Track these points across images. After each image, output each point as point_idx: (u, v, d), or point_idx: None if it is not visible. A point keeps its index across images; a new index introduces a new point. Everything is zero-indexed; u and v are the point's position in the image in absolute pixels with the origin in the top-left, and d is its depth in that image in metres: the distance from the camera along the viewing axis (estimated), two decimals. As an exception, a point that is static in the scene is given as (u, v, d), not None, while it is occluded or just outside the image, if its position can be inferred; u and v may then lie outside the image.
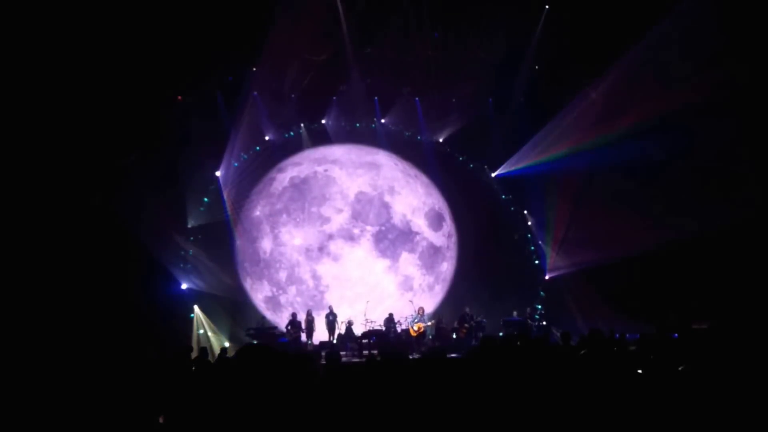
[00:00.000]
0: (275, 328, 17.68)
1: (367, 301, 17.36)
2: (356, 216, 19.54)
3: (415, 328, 17.02)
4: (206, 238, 18.18)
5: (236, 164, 18.75)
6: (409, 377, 4.79)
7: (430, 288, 20.15)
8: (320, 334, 17.45)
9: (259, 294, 19.21)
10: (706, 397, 3.92)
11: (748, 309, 12.73)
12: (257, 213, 19.35)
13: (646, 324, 14.18)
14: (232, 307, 18.42)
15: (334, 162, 19.94)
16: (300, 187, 19.49)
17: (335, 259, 19.31)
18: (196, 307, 17.69)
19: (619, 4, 15.18)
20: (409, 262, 19.83)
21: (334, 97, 19.23)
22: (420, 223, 20.08)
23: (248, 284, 19.18)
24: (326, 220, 19.37)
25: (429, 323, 17.65)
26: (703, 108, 13.89)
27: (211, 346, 16.68)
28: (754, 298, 13.12)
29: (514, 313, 17.83)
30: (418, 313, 17.33)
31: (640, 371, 5.66)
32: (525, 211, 20.56)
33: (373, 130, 20.17)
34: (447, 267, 20.38)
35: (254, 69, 17.18)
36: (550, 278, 19.53)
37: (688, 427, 3.89)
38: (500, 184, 20.40)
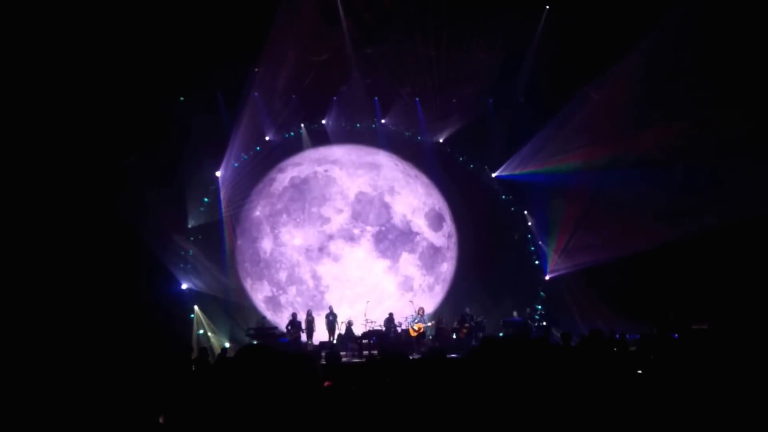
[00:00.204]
0: (275, 328, 17.68)
1: (367, 302, 17.36)
2: (356, 216, 19.55)
3: (415, 328, 17.02)
4: (206, 239, 18.19)
5: (236, 164, 18.75)
6: (409, 377, 4.79)
7: (430, 288, 20.15)
8: (320, 335, 17.45)
9: (259, 294, 19.22)
10: (706, 397, 3.92)
11: (748, 309, 12.72)
12: (257, 213, 19.36)
13: (646, 324, 14.21)
14: (232, 308, 18.42)
15: (334, 162, 19.95)
16: (300, 187, 19.50)
17: (335, 259, 19.31)
18: (196, 308, 17.69)
19: (619, 5, 15.18)
20: (409, 262, 19.84)
21: (335, 98, 19.23)
22: (420, 224, 20.08)
23: (248, 284, 19.18)
24: (326, 220, 19.38)
25: (429, 324, 17.65)
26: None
27: (211, 347, 16.68)
28: (754, 298, 13.11)
29: (514, 314, 17.83)
30: (418, 314, 17.33)
31: (640, 371, 5.67)
32: (525, 212, 20.55)
33: (373, 130, 20.16)
34: (447, 267, 20.37)
35: (256, 69, 17.16)
36: (550, 278, 19.52)
37: (688, 428, 3.89)
38: (500, 185, 20.39)
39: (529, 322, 18.06)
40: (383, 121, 20.03)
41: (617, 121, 16.37)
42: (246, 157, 18.99)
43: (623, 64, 15.86)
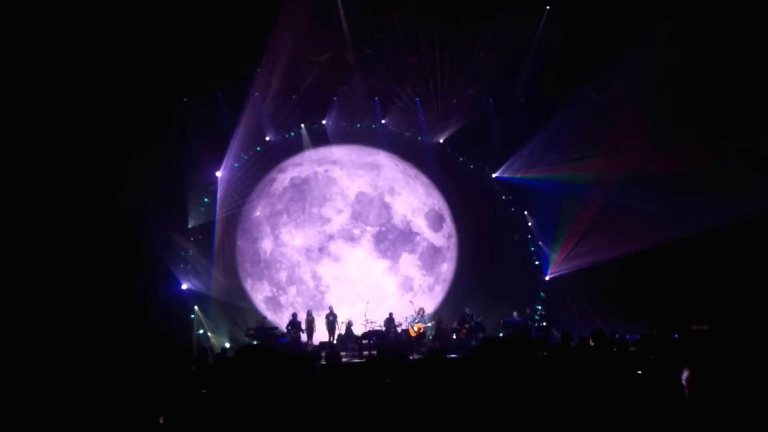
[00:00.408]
0: (276, 328, 17.68)
1: (367, 302, 17.36)
2: (356, 216, 19.56)
3: (415, 328, 17.02)
4: (206, 239, 18.19)
5: (237, 165, 18.75)
6: (409, 378, 4.79)
7: (431, 288, 20.15)
8: (320, 335, 17.45)
9: (259, 294, 19.22)
10: (706, 397, 3.92)
11: (748, 310, 12.72)
12: (258, 213, 19.37)
13: (646, 325, 14.21)
14: (232, 308, 18.42)
15: (334, 162, 19.96)
16: (300, 187, 19.51)
17: (335, 259, 19.32)
18: (196, 308, 17.68)
19: (619, 5, 15.18)
20: (409, 262, 19.84)
21: (335, 98, 19.23)
22: (420, 224, 20.09)
23: (248, 284, 19.19)
24: (326, 220, 19.39)
25: (429, 324, 17.64)
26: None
27: (211, 347, 16.67)
28: (754, 298, 13.11)
29: (514, 314, 17.83)
30: (419, 314, 17.33)
31: (640, 372, 5.66)
32: (525, 212, 20.55)
33: (373, 130, 20.16)
34: (447, 267, 20.38)
35: (258, 70, 17.14)
36: (549, 279, 19.52)
37: (688, 428, 3.89)
38: (500, 185, 20.39)
39: (529, 322, 18.06)
40: (383, 121, 20.03)
41: (622, 130, 16.23)
42: (246, 157, 18.99)
43: (623, 65, 15.85)
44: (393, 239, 19.71)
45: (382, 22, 17.00)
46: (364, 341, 16.16)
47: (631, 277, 16.29)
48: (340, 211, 19.52)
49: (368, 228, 19.58)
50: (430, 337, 17.54)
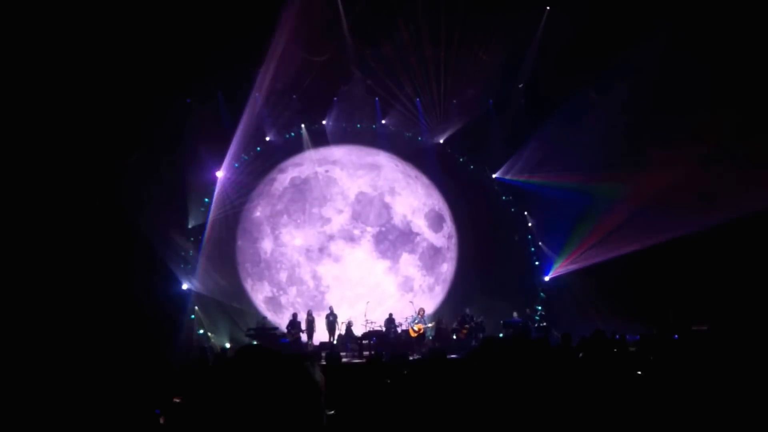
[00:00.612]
0: (276, 328, 17.68)
1: (368, 302, 17.36)
2: (357, 217, 19.56)
3: (416, 329, 17.02)
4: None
5: (237, 165, 18.75)
6: (409, 378, 4.79)
7: (431, 289, 20.15)
8: (321, 335, 17.45)
9: (259, 294, 19.22)
10: (706, 398, 3.92)
11: (748, 310, 12.71)
12: (258, 214, 19.36)
13: (646, 325, 14.20)
14: (232, 308, 18.41)
15: (334, 163, 19.96)
16: (301, 187, 19.51)
17: (336, 259, 19.32)
18: (196, 308, 17.67)
19: (620, 5, 15.18)
20: (409, 262, 19.84)
21: (335, 98, 19.24)
22: (420, 224, 20.09)
23: (249, 285, 19.18)
24: (327, 220, 19.39)
25: (429, 324, 17.63)
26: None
27: (211, 347, 16.66)
28: (754, 298, 13.10)
29: (514, 314, 17.82)
30: (419, 314, 17.33)
31: (639, 372, 5.67)
32: (525, 212, 20.55)
33: (373, 130, 20.17)
34: (447, 268, 20.38)
35: (260, 70, 17.13)
36: (549, 279, 19.52)
37: (688, 428, 3.89)
38: (501, 186, 20.40)
39: (529, 323, 18.06)
40: (384, 121, 20.04)
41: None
42: (246, 157, 18.99)
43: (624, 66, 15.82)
44: (393, 239, 19.71)
45: (383, 22, 17.00)
46: (364, 341, 16.16)
47: (631, 277, 16.28)
48: (341, 212, 19.53)
49: (368, 228, 19.58)
50: (430, 338, 17.54)
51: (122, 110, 14.90)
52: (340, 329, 17.16)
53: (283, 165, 19.74)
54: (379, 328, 16.74)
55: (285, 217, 19.30)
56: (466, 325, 17.46)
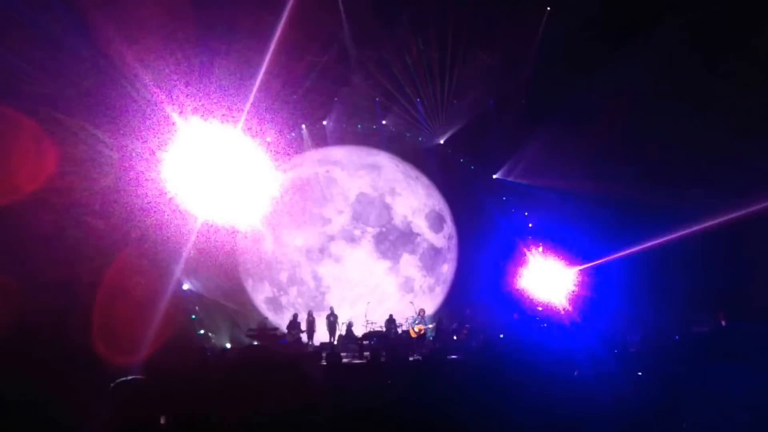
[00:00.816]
0: (276, 329, 17.69)
1: (368, 303, 17.37)
2: (357, 217, 19.57)
3: (416, 329, 17.02)
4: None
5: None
6: (410, 378, 4.80)
7: (431, 289, 20.16)
8: (321, 335, 17.45)
9: (260, 295, 19.23)
10: (706, 398, 3.93)
11: (748, 310, 12.72)
12: (258, 214, 19.37)
13: (646, 326, 14.18)
14: (232, 308, 18.42)
15: (335, 163, 19.97)
16: (301, 188, 19.52)
17: (336, 260, 19.33)
18: (197, 308, 17.67)
19: (620, 6, 15.18)
20: (409, 263, 19.85)
21: (336, 99, 19.24)
22: (421, 225, 20.10)
23: (249, 285, 19.19)
24: (327, 221, 19.39)
25: (430, 326, 17.62)
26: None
27: (211, 347, 16.66)
28: (755, 298, 13.10)
29: (515, 315, 17.83)
30: (419, 315, 17.33)
31: (640, 373, 5.67)
32: (525, 213, 20.56)
33: (374, 131, 20.19)
34: (447, 268, 20.39)
35: (260, 71, 17.09)
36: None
37: (687, 428, 3.90)
38: (501, 186, 20.40)
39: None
40: (384, 122, 20.04)
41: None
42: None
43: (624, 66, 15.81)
44: (393, 240, 19.72)
45: (384, 22, 17.01)
46: (364, 342, 16.16)
47: (631, 276, 16.27)
48: (341, 212, 19.54)
49: (369, 229, 19.59)
50: (431, 338, 17.53)
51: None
52: (341, 330, 17.17)
53: (284, 165, 19.74)
54: (379, 329, 16.74)
55: (286, 217, 19.30)
56: (467, 326, 17.45)
